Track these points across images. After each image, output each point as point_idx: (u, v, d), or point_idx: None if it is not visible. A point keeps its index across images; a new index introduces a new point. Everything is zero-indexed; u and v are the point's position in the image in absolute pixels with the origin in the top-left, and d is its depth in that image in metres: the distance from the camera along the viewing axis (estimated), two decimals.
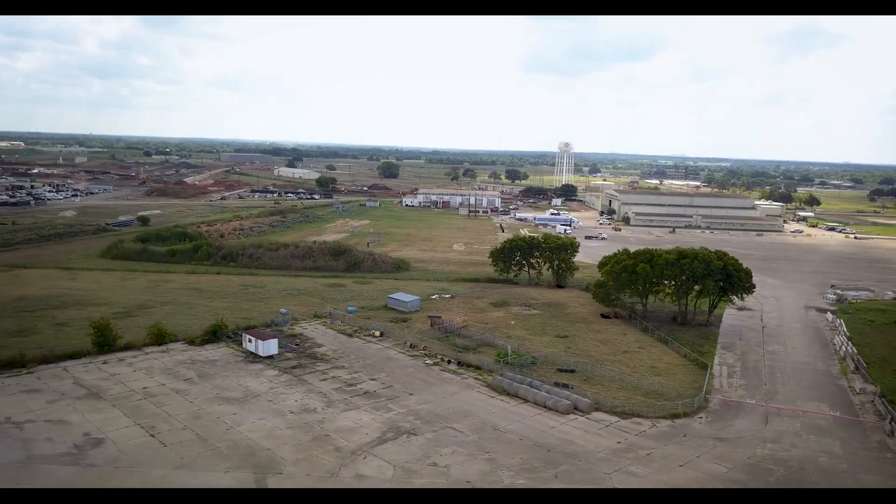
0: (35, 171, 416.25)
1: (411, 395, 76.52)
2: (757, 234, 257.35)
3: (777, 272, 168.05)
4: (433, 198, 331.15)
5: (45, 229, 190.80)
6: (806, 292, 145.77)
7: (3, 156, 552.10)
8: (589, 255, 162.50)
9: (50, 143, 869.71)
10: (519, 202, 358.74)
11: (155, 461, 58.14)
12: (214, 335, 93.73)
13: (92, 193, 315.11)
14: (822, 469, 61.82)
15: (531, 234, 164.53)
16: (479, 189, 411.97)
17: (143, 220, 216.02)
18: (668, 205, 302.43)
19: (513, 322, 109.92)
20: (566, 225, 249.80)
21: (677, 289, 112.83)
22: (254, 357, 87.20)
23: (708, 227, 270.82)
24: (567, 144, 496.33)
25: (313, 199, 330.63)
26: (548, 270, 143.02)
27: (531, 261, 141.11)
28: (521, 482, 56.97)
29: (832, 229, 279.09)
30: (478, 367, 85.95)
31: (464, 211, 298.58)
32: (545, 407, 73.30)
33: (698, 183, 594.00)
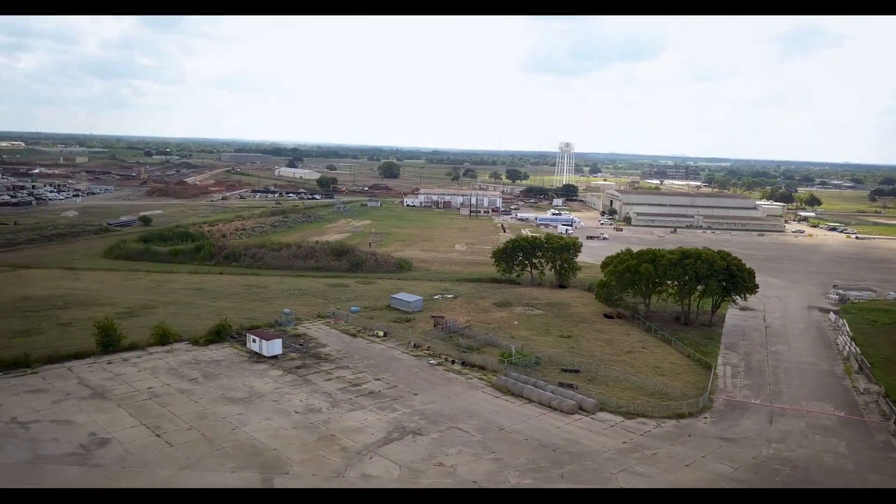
0: (36, 171, 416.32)
1: (416, 395, 76.59)
2: (758, 235, 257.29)
3: (779, 272, 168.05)
4: (434, 198, 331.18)
5: (47, 229, 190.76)
6: (808, 292, 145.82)
7: (4, 156, 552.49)
8: (591, 256, 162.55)
9: (51, 144, 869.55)
10: (520, 202, 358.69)
11: (161, 461, 58.23)
12: (218, 335, 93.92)
13: (93, 193, 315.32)
14: (828, 469, 61.89)
15: (533, 234, 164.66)
16: (480, 189, 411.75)
17: (145, 221, 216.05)
18: (670, 205, 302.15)
19: (516, 322, 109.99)
20: (568, 225, 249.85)
21: (680, 289, 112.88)
22: (258, 357, 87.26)
23: (709, 228, 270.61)
24: (568, 144, 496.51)
25: (314, 199, 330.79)
26: (550, 270, 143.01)
27: (534, 261, 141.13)
28: (527, 482, 57.04)
29: (833, 229, 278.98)
30: (482, 367, 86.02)
31: (465, 211, 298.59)
32: (550, 407, 73.38)
33: (699, 183, 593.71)
